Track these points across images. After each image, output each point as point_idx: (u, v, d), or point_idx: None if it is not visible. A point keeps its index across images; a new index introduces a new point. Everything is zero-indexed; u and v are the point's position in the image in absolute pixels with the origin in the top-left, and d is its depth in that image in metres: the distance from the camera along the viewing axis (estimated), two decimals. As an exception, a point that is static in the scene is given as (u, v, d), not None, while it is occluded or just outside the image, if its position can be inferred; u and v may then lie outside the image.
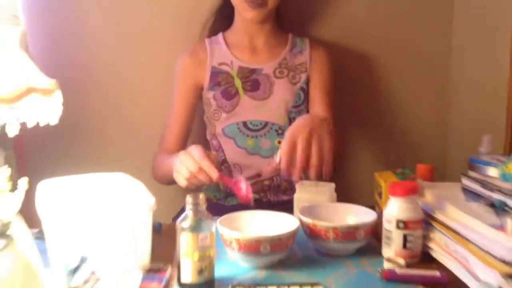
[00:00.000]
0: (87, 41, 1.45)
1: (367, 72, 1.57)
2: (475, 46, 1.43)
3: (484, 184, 0.89)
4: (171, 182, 1.13)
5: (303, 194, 1.07)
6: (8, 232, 0.68)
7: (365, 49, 1.55)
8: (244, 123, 1.32)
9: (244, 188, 1.05)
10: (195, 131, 1.45)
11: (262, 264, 0.87)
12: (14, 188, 0.73)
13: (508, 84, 1.19)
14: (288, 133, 1.01)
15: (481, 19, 1.40)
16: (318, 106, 1.32)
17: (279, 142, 1.23)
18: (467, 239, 0.80)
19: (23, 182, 0.73)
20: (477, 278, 0.74)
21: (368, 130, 1.61)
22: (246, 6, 1.26)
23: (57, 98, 0.67)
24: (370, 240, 0.96)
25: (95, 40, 1.46)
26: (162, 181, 1.30)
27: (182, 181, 1.05)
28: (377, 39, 1.55)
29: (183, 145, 1.34)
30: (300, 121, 1.03)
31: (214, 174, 1.01)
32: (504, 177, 0.83)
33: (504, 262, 0.70)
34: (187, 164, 1.02)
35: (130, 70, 1.49)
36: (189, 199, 0.79)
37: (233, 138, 1.33)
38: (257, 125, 1.32)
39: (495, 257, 0.72)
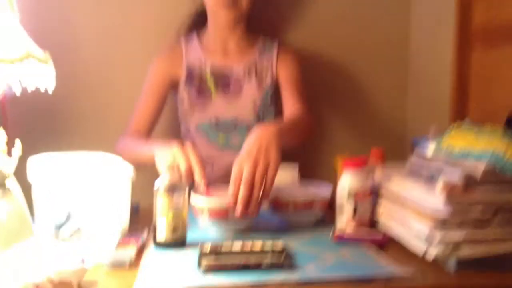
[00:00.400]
0: (71, 38, 1.55)
1: (334, 70, 1.71)
2: (428, 46, 1.60)
3: (422, 158, 1.02)
4: (139, 165, 1.13)
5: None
6: (6, 184, 0.77)
7: (331, 50, 1.69)
8: (216, 120, 1.43)
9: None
10: (168, 130, 1.55)
11: (230, 230, 0.98)
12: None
13: (451, 79, 1.35)
14: (234, 165, 0.99)
15: (432, 22, 1.57)
16: (289, 99, 1.42)
17: None
18: (405, 202, 0.92)
19: (18, 144, 0.83)
20: (411, 230, 0.87)
21: (339, 119, 1.75)
22: (221, 8, 1.38)
23: (51, 67, 0.78)
24: (327, 216, 1.08)
25: (80, 37, 1.57)
26: (129, 162, 1.34)
27: (164, 170, 1.02)
28: (342, 41, 1.69)
29: (148, 133, 1.42)
30: (247, 146, 1.01)
31: (202, 185, 1.03)
32: (439, 150, 0.96)
33: (430, 213, 0.83)
34: (180, 162, 1.03)
35: (110, 66, 1.59)
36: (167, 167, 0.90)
37: (205, 135, 1.44)
38: (227, 122, 1.44)
39: (424, 211, 0.85)
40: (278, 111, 1.47)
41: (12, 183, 0.80)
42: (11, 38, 0.72)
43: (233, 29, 1.45)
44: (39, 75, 0.73)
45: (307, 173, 1.27)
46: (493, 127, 0.96)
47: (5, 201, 0.76)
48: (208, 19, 1.46)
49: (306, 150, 1.62)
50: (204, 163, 1.05)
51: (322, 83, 1.70)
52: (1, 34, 0.72)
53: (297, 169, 1.21)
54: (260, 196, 0.97)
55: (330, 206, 1.07)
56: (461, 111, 1.30)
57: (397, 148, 1.65)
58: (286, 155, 1.17)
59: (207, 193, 1.03)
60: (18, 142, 0.84)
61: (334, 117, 1.74)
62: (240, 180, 0.96)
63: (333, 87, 1.71)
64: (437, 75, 1.47)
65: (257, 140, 1.01)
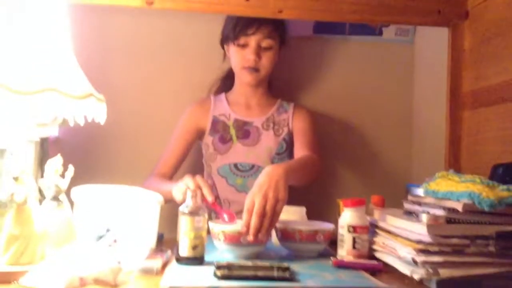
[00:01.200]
0: (114, 91, 1.76)
1: (345, 127, 1.89)
2: (428, 106, 1.78)
3: (413, 202, 1.16)
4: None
5: (279, 214, 1.33)
6: (59, 197, 0.94)
7: (342, 111, 1.88)
8: (235, 165, 1.61)
9: (230, 217, 1.26)
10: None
11: (241, 254, 1.12)
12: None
13: (445, 134, 1.52)
14: (247, 198, 1.14)
15: (431, 86, 1.76)
16: (301, 147, 1.59)
17: None
18: (396, 234, 1.06)
19: (71, 168, 1.01)
20: (399, 257, 1.00)
21: (349, 169, 1.90)
22: (245, 72, 1.62)
23: (104, 106, 0.97)
24: (329, 248, 1.21)
25: (121, 88, 1.78)
26: None
27: (180, 196, 1.28)
28: (352, 102, 1.89)
29: (171, 176, 1.61)
30: (259, 182, 1.16)
31: (210, 197, 1.24)
32: (426, 192, 1.11)
33: (415, 241, 0.96)
34: (189, 184, 1.25)
35: (145, 115, 1.79)
36: (189, 192, 1.06)
37: (225, 177, 1.61)
38: (245, 167, 1.61)
39: (410, 239, 0.98)
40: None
41: (63, 197, 0.97)
42: (77, 79, 0.92)
43: (255, 89, 1.68)
44: (96, 111, 0.92)
45: (314, 217, 1.41)
46: (473, 175, 1.09)
47: (59, 211, 0.93)
48: (235, 80, 1.71)
49: (314, 194, 1.76)
50: (211, 189, 1.25)
51: (333, 138, 1.87)
52: (70, 75, 0.92)
53: (305, 211, 1.36)
54: (269, 225, 1.12)
55: (333, 243, 1.21)
56: (455, 162, 1.45)
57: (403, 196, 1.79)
58: (296, 199, 1.34)
59: (214, 205, 1.23)
60: (71, 167, 1.01)
61: (344, 168, 1.90)
62: (252, 211, 1.11)
63: (344, 142, 1.89)
64: (436, 132, 1.64)
65: (268, 177, 1.17)
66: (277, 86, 1.80)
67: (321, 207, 1.81)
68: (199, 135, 1.67)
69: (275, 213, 1.13)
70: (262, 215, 1.11)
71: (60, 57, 0.97)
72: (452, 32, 1.49)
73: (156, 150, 1.67)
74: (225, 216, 1.25)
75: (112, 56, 1.78)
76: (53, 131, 1.67)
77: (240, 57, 1.61)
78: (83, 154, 1.74)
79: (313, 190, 1.69)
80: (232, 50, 1.63)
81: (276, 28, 1.61)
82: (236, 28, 1.59)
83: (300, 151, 1.58)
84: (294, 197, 1.60)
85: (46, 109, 0.90)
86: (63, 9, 1.04)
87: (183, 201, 1.24)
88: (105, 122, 1.62)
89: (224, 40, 1.67)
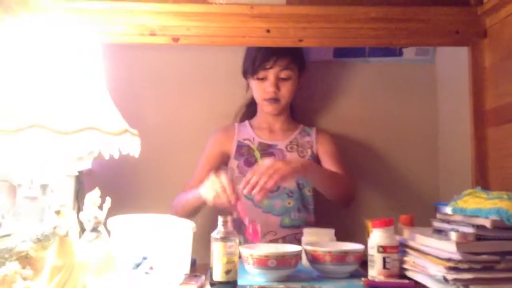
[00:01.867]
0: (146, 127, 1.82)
1: (370, 151, 1.91)
2: (452, 125, 1.79)
3: (442, 220, 1.17)
4: (191, 211, 1.49)
5: (308, 238, 1.36)
6: (98, 228, 0.99)
7: (365, 133, 1.90)
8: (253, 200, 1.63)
9: (254, 229, 1.33)
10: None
11: (271, 277, 1.14)
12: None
13: (471, 152, 1.53)
14: (254, 168, 1.40)
15: (454, 104, 1.77)
16: (329, 166, 1.63)
17: (289, 203, 1.63)
18: (426, 253, 1.07)
19: (108, 200, 1.06)
20: (430, 275, 1.01)
21: (374, 189, 1.91)
22: (266, 103, 1.68)
23: (138, 141, 1.03)
24: (360, 269, 1.23)
25: (150, 121, 1.84)
26: (182, 212, 1.53)
27: (209, 196, 1.38)
28: (375, 124, 1.90)
29: None
30: (269, 162, 1.39)
31: (232, 198, 1.34)
32: (454, 210, 1.12)
33: (445, 259, 0.98)
34: (215, 184, 1.36)
35: (173, 144, 1.85)
36: (220, 218, 1.10)
37: (251, 200, 1.64)
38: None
39: (440, 258, 1.00)
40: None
41: (102, 228, 1.02)
42: (112, 115, 0.98)
43: (277, 117, 1.74)
44: (130, 146, 0.98)
45: (343, 238, 1.42)
46: (500, 192, 1.10)
47: (98, 242, 0.98)
48: (257, 110, 1.77)
49: (342, 217, 1.77)
50: (235, 185, 1.37)
51: (358, 161, 1.88)
52: (106, 112, 0.98)
53: (333, 233, 1.37)
54: (264, 183, 1.34)
55: (364, 264, 1.22)
56: (482, 179, 1.46)
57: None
58: (324, 222, 1.37)
59: (238, 208, 1.36)
60: (108, 199, 1.06)
61: (371, 190, 1.90)
62: (256, 172, 1.36)
63: (369, 164, 1.89)
64: (462, 150, 1.64)
65: (281, 160, 1.42)
66: (299, 112, 1.84)
67: (349, 228, 1.82)
68: (224, 160, 1.71)
69: (273, 178, 1.34)
70: (261, 174, 1.34)
71: (96, 95, 1.03)
72: (472, 51, 1.51)
73: (183, 179, 1.72)
74: (255, 228, 1.34)
75: (141, 91, 1.85)
76: (87, 164, 1.76)
77: (260, 90, 1.67)
78: (114, 185, 1.80)
79: (341, 212, 1.71)
80: (253, 83, 1.70)
81: (294, 58, 1.67)
82: (255, 63, 1.65)
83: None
84: (323, 219, 1.64)
85: (85, 146, 0.96)
86: (96, 48, 1.11)
87: (215, 203, 1.37)
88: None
89: (245, 74, 1.74)
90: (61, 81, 0.99)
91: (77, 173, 1.18)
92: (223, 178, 1.37)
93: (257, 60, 1.65)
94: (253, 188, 1.35)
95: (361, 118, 1.91)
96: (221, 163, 1.72)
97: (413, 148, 1.92)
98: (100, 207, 1.06)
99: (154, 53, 1.84)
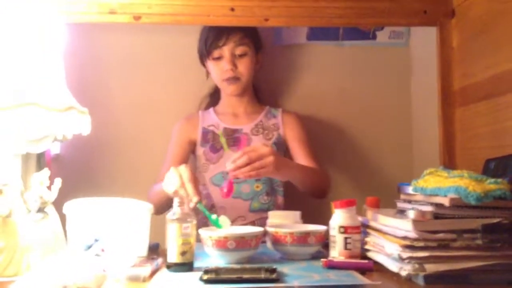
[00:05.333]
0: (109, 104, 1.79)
1: (343, 134, 1.89)
2: (424, 107, 1.77)
3: (404, 200, 1.15)
4: (164, 203, 1.38)
5: (272, 220, 1.34)
6: (45, 209, 0.96)
7: (339, 116, 1.88)
8: (228, 172, 1.61)
9: (227, 186, 1.31)
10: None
11: (231, 259, 1.12)
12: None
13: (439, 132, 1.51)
14: (243, 149, 1.33)
15: (428, 85, 1.74)
16: (300, 156, 1.62)
17: (257, 187, 1.61)
18: (384, 232, 1.05)
19: (59, 181, 1.03)
20: (387, 254, 0.99)
21: (347, 172, 1.90)
22: (225, 83, 1.66)
23: (88, 118, 0.99)
24: (323, 251, 1.21)
25: (118, 104, 1.81)
26: (157, 204, 1.45)
27: (170, 191, 1.28)
28: (348, 107, 1.89)
29: None
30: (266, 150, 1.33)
31: (194, 199, 1.25)
32: (415, 189, 1.10)
33: (401, 238, 0.96)
34: (174, 181, 1.25)
35: (141, 127, 1.83)
36: (176, 199, 1.07)
37: (218, 186, 1.61)
38: (238, 174, 1.62)
39: (397, 236, 0.98)
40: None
41: (50, 209, 0.99)
42: (58, 93, 0.94)
43: (241, 98, 1.71)
44: (78, 124, 0.94)
45: (313, 222, 1.40)
46: (461, 170, 1.08)
47: (45, 223, 0.95)
48: (221, 95, 1.74)
49: (313, 200, 1.75)
50: (197, 180, 1.28)
51: (331, 144, 1.87)
52: (51, 89, 0.94)
53: (299, 215, 1.35)
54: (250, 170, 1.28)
55: (327, 245, 1.20)
56: (450, 160, 1.44)
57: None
58: (294, 206, 1.34)
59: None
60: (58, 179, 1.03)
61: (344, 173, 1.89)
62: (245, 152, 1.29)
63: (342, 147, 1.89)
64: (434, 132, 1.62)
65: (266, 148, 1.33)
66: (267, 94, 1.81)
67: (319, 212, 1.81)
68: (192, 148, 1.69)
69: (259, 174, 1.30)
70: (249, 161, 1.28)
71: (45, 73, 0.99)
72: (440, 31, 1.49)
73: (155, 160, 1.70)
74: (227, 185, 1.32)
75: (107, 73, 1.81)
76: (53, 148, 1.72)
77: (218, 70, 1.65)
78: (85, 169, 1.77)
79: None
80: (210, 65, 1.67)
81: (247, 34, 1.64)
82: (207, 42, 1.63)
83: (300, 158, 1.60)
84: (293, 203, 1.61)
85: (29, 124, 0.92)
86: (53, 25, 1.07)
87: (174, 192, 1.27)
88: (104, 137, 1.65)
89: (202, 58, 1.71)
90: (7, 57, 0.96)
91: (32, 154, 1.14)
92: (184, 172, 1.26)
93: (209, 39, 1.63)
94: (238, 169, 1.29)
95: (335, 100, 1.89)
96: (189, 152, 1.69)
97: (387, 131, 1.91)
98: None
99: (118, 35, 1.80)
